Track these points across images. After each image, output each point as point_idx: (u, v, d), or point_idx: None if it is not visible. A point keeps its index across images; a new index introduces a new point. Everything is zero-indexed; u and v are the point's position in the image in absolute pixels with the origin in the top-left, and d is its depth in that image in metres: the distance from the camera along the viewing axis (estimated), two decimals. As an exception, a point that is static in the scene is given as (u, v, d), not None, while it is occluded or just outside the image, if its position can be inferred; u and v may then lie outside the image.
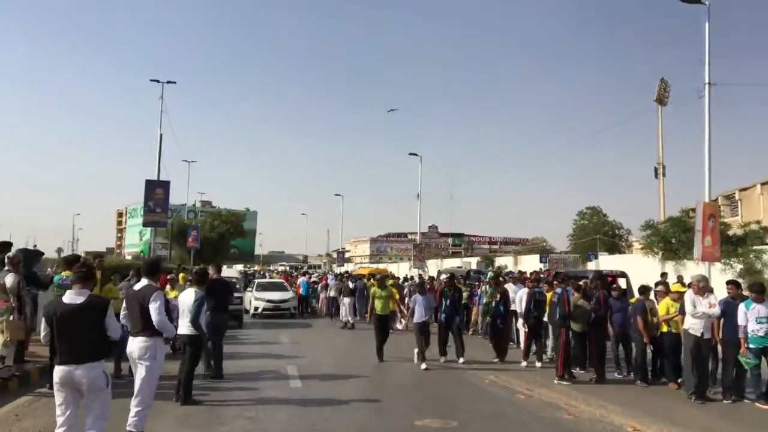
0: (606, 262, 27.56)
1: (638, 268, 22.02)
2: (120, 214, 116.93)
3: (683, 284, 10.09)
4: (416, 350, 10.97)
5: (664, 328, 9.48)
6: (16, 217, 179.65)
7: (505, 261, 41.21)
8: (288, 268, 61.74)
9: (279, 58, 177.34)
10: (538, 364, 10.87)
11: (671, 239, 23.27)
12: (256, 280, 24.52)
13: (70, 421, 4.58)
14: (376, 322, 11.64)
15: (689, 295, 8.60)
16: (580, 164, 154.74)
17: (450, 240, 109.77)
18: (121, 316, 6.14)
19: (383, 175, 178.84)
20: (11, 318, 7.50)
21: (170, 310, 10.62)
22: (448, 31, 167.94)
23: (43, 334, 5.01)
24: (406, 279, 22.90)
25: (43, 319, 4.88)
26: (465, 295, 14.87)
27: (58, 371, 4.54)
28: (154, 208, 24.01)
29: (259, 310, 20.11)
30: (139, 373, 5.67)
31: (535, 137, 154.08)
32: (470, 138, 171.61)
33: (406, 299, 19.23)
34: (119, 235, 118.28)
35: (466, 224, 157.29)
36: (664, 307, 9.54)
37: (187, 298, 7.65)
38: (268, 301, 20.26)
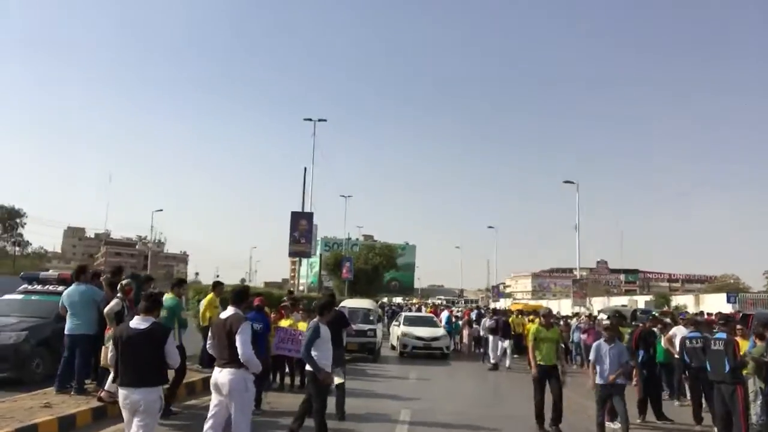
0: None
1: None
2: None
3: None
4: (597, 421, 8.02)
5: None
6: (205, 252, 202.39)
7: (684, 300, 35.76)
8: (444, 301, 60.80)
9: (430, 89, 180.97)
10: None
11: None
12: (404, 314, 22.43)
13: None
14: (538, 374, 8.43)
15: None
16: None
17: (622, 276, 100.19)
18: (208, 345, 5.79)
19: (542, 207, 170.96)
20: (109, 345, 7.27)
21: (284, 340, 10.31)
22: (608, 56, 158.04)
23: (110, 355, 5.33)
24: (567, 318, 20.42)
25: (111, 341, 5.11)
26: (626, 338, 12.43)
27: (121, 393, 4.77)
28: (299, 239, 24.70)
29: (408, 349, 17.85)
30: (233, 408, 5.22)
31: (728, 161, 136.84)
32: (645, 166, 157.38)
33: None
34: (293, 267, 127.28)
35: (641, 260, 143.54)
36: None
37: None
38: (417, 338, 17.97)
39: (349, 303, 18.55)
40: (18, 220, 60.84)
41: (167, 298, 7.88)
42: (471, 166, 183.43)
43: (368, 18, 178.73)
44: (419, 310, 32.52)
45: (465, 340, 21.03)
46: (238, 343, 5.20)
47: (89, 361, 7.76)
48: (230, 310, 5.51)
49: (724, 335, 8.38)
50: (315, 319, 6.57)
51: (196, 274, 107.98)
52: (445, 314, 22.82)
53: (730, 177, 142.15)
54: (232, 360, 5.24)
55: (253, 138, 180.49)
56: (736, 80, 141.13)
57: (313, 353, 6.25)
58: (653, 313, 15.76)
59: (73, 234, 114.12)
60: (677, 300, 36.28)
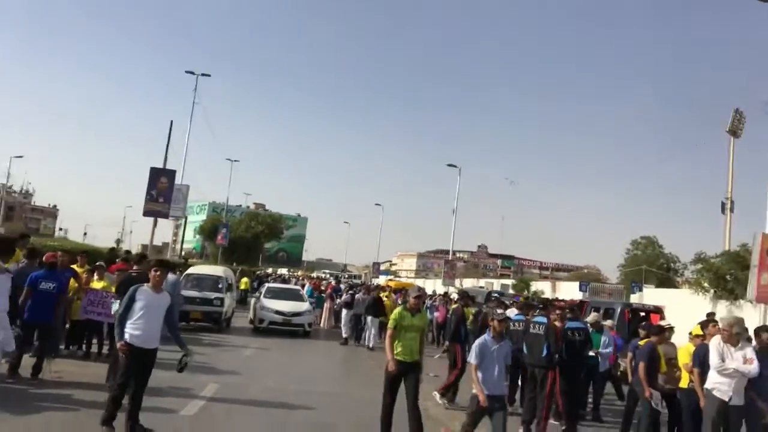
0: (651, 296, 24.52)
1: (685, 305, 19.20)
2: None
3: (706, 325, 7.61)
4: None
5: (684, 383, 7.18)
6: (72, 210, 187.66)
7: (543, 286, 38.22)
8: (328, 275, 60.66)
9: (326, 60, 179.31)
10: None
11: (726, 276, 20.09)
12: (267, 285, 20.58)
13: None
14: (394, 370, 6.26)
15: (716, 344, 6.33)
16: (640, 192, 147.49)
17: (499, 261, 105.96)
18: None
19: (432, 190, 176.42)
20: None
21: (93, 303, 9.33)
22: (503, 49, 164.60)
23: None
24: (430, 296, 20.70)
25: None
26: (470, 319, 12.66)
27: None
28: (157, 197, 22.93)
29: (264, 324, 16.10)
30: None
31: (596, 161, 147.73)
32: (526, 157, 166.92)
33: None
34: (175, 230, 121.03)
35: (518, 247, 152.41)
36: (685, 354, 7.22)
37: None
38: (277, 312, 16.14)
39: (198, 269, 17.54)
40: None
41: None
42: (363, 142, 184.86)
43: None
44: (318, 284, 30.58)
45: (325, 314, 20.73)
46: None
47: None
48: None
49: (543, 319, 8.54)
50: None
51: (60, 229, 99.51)
52: (307, 287, 22.37)
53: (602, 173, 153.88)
54: None
55: (137, 91, 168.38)
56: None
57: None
58: (494, 294, 16.37)
59: None
60: (536, 285, 38.71)
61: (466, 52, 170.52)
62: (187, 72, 29.13)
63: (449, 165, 38.43)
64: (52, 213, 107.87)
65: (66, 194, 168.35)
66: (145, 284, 5.61)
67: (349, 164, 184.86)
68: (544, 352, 7.84)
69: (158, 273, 5.55)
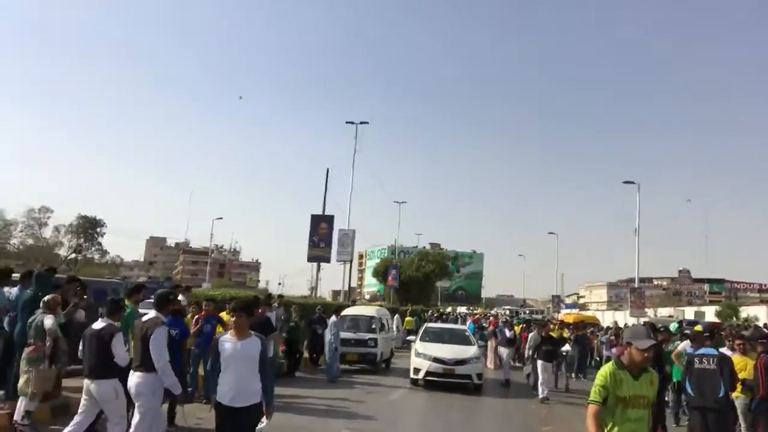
0: None
1: None
2: (361, 256, 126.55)
3: None
4: None
5: None
6: (272, 262, 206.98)
7: (756, 311, 32.06)
8: (507, 312, 58.62)
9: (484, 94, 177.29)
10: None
11: None
12: (426, 325, 17.38)
13: (80, 420, 5.70)
14: None
15: None
16: None
17: (706, 286, 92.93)
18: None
19: (609, 214, 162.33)
20: (41, 367, 6.73)
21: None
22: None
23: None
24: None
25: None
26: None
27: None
28: (318, 243, 23.97)
29: (420, 375, 12.95)
30: (136, 412, 5.37)
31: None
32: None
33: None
34: (360, 275, 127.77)
35: (730, 270, 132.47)
36: None
37: None
38: (435, 359, 12.94)
39: (351, 310, 17.67)
40: (98, 230, 64.66)
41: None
42: (529, 171, 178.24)
43: (418, 18, 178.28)
44: (477, 320, 28.77)
45: (489, 354, 19.46)
46: (151, 348, 5.30)
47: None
48: (151, 314, 5.66)
49: (714, 351, 7.02)
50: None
51: (257, 281, 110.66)
52: (469, 323, 21.39)
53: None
54: (142, 363, 5.36)
55: (305, 145, 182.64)
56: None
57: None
58: (666, 326, 13.78)
59: (155, 244, 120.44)
60: (748, 311, 32.55)
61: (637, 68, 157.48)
62: (347, 122, 30.92)
63: (626, 182, 34.90)
64: (255, 267, 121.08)
65: (265, 248, 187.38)
66: (228, 332, 5.05)
67: (519, 195, 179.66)
68: (722, 392, 6.49)
69: (235, 319, 5.01)
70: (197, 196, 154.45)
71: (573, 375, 16.23)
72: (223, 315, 10.31)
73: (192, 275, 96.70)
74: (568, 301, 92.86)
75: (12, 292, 8.00)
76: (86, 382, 5.68)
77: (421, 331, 15.74)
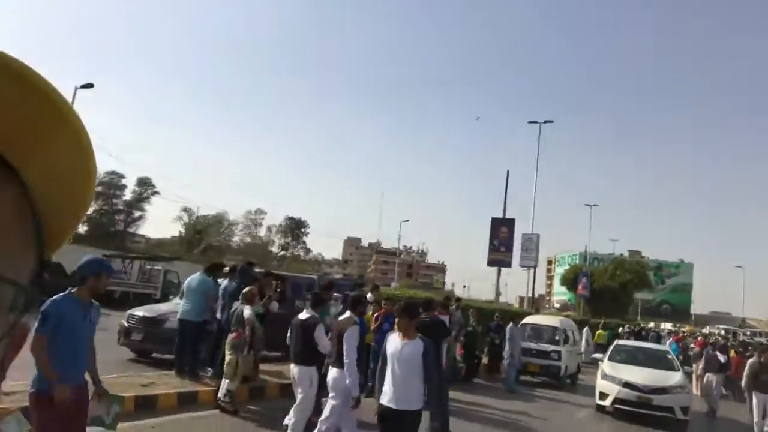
0: None
1: None
2: (549, 262, 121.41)
3: None
4: None
5: None
6: (456, 266, 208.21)
7: None
8: (723, 332, 51.55)
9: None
10: None
11: None
12: (617, 343, 14.80)
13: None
14: None
15: None
16: None
17: None
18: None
19: None
20: (243, 353, 7.52)
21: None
22: None
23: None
24: None
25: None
26: None
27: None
28: (499, 247, 23.34)
29: (608, 401, 11.08)
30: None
31: None
32: None
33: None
34: (549, 282, 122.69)
35: None
36: None
37: None
38: (626, 384, 10.89)
39: (533, 319, 16.83)
40: (303, 230, 71.54)
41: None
42: (747, 169, 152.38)
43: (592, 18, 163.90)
44: (681, 339, 25.10)
45: (694, 382, 16.95)
46: (345, 346, 5.63)
47: (196, 347, 8.53)
48: (346, 314, 6.14)
49: None
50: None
51: (453, 284, 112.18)
52: (670, 343, 18.97)
53: None
54: (338, 359, 5.76)
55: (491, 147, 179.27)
56: None
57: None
58: None
59: (351, 243, 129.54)
60: None
61: None
62: (530, 122, 29.98)
63: None
64: (441, 269, 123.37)
65: (451, 251, 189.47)
66: (397, 333, 4.96)
67: (736, 196, 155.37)
68: None
69: (397, 320, 4.92)
70: (388, 200, 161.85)
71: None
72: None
73: (383, 274, 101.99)
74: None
75: (223, 283, 9.13)
76: (291, 366, 6.33)
77: (610, 349, 13.64)
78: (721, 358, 14.53)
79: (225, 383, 7.56)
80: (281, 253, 66.61)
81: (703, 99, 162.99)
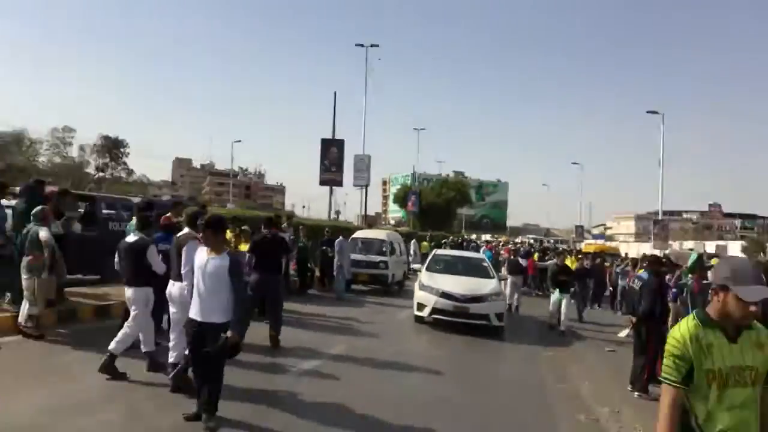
0: None
1: None
2: (384, 182, 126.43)
3: None
4: None
5: None
6: (295, 186, 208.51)
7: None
8: (531, 241, 58.56)
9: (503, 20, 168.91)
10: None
11: None
12: (435, 252, 14.16)
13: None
14: None
15: None
16: None
17: (737, 221, 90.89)
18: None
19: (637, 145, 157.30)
20: (42, 276, 6.89)
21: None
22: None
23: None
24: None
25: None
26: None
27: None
28: (330, 167, 23.70)
29: (425, 312, 10.77)
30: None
31: None
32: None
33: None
34: (384, 201, 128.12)
35: (765, 203, 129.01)
36: None
37: None
38: (444, 294, 10.66)
39: (362, 234, 17.62)
40: (121, 150, 65.32)
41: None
42: (557, 96, 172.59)
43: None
44: (495, 247, 27.30)
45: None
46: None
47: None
48: (185, 230, 5.90)
49: (645, 275, 7.85)
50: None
51: (293, 205, 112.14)
52: (485, 251, 21.17)
53: None
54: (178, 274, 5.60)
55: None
56: None
57: None
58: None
59: (181, 165, 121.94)
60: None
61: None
62: (357, 45, 30.05)
63: (650, 112, 33.55)
64: (280, 190, 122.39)
65: (290, 172, 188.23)
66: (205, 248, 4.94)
67: (544, 125, 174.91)
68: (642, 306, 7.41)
69: (203, 235, 5.01)
70: (219, 120, 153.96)
71: (587, 306, 15.97)
72: (228, 233, 10.35)
73: (217, 196, 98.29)
74: (595, 231, 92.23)
75: (11, 203, 8.13)
76: (125, 288, 6.11)
77: (428, 259, 13.21)
78: (523, 262, 16.59)
79: (25, 308, 6.92)
80: (99, 174, 60.44)
81: (509, 23, 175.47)
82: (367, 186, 29.19)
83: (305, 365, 7.07)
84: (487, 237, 63.00)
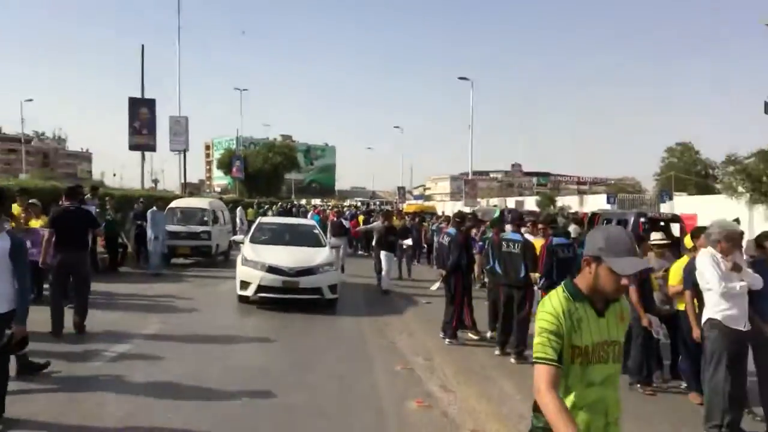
0: (683, 204, 22.83)
1: (720, 212, 17.51)
2: (207, 147, 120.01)
3: (698, 234, 6.19)
4: None
5: (681, 305, 6.00)
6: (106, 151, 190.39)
7: (569, 201, 36.63)
8: (360, 203, 60.24)
9: None
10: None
11: (761, 178, 18.17)
12: (259, 221, 12.85)
13: None
14: None
15: (709, 259, 4.98)
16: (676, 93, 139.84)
17: (534, 179, 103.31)
18: None
19: (454, 108, 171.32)
20: None
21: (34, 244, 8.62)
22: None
23: None
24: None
25: None
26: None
27: None
28: (140, 130, 21.71)
29: (250, 291, 9.54)
30: None
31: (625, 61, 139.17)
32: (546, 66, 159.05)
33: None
34: (208, 167, 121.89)
35: (556, 164, 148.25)
36: (677, 272, 5.99)
37: None
38: (271, 269, 9.49)
39: (180, 203, 16.63)
40: None
41: None
42: (378, 61, 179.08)
43: None
44: (322, 212, 26.97)
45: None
46: None
47: None
48: None
49: (517, 236, 7.71)
50: None
51: (89, 172, 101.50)
52: (313, 215, 21.35)
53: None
54: None
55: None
56: None
57: None
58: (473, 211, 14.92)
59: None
60: (563, 200, 37.06)
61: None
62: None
63: (461, 78, 36.38)
64: (86, 157, 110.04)
65: (98, 137, 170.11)
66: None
67: (367, 86, 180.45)
68: (522, 272, 7.33)
69: None
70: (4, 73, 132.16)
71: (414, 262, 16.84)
72: (15, 207, 9.04)
73: (6, 165, 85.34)
74: (416, 192, 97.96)
75: None
76: None
77: (252, 228, 11.91)
78: (346, 224, 17.03)
79: None
80: None
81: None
82: (185, 151, 27.14)
83: (115, 349, 6.54)
84: (316, 201, 63.50)
